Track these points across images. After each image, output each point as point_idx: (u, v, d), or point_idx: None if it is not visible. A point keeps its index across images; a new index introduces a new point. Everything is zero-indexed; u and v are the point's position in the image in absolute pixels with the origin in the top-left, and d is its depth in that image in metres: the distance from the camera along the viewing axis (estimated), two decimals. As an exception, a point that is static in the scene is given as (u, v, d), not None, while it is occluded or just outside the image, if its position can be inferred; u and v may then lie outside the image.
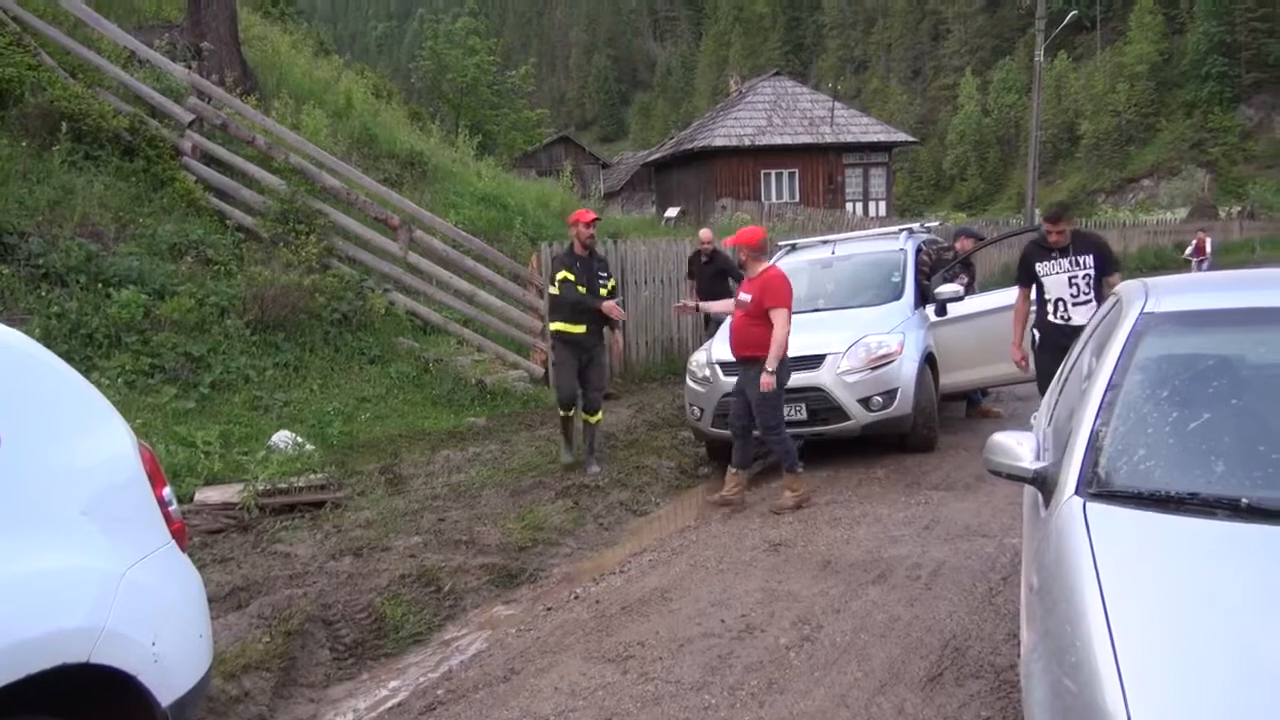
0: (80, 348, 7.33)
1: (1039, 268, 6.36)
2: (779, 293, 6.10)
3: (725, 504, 6.49)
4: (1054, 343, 6.09)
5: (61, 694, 2.30)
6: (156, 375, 7.49)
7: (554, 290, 7.40)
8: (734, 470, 6.56)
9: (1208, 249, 24.56)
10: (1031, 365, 6.71)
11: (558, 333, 7.38)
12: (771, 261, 9.24)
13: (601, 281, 7.40)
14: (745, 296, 6.30)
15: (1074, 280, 6.22)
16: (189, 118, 10.00)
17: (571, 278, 7.21)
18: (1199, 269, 22.78)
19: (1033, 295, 6.55)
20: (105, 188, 8.97)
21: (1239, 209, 44.80)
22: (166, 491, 2.80)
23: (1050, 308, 6.31)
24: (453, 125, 23.68)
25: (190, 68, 10.69)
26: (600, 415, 7.59)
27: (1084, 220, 37.05)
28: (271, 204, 9.80)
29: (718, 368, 7.40)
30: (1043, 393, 5.54)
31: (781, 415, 6.31)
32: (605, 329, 7.55)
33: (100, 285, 7.82)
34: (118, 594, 2.39)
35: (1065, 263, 6.25)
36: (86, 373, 6.92)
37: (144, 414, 6.92)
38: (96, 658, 2.28)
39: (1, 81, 9.10)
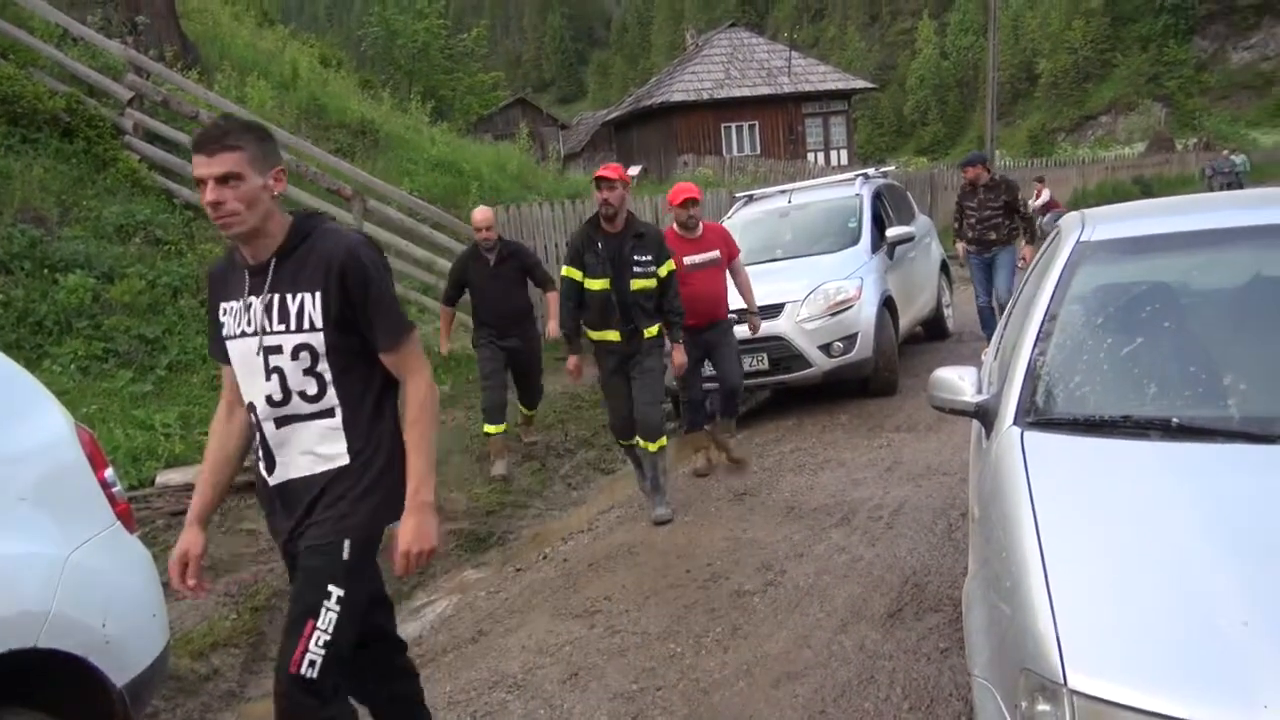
0: (30, 336, 7.18)
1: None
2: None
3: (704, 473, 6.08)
4: None
5: (13, 679, 2.28)
6: (110, 360, 7.36)
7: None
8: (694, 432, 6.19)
9: (1046, 197, 18.68)
10: None
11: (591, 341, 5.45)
12: (732, 212, 9.27)
13: (640, 268, 5.08)
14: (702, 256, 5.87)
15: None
16: (128, 95, 9.73)
17: (577, 275, 5.20)
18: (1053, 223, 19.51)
19: None
20: (45, 171, 8.73)
21: (1194, 141, 45.09)
22: (109, 473, 2.76)
23: None
24: (406, 92, 23.24)
25: (126, 43, 10.37)
26: (665, 440, 5.38)
27: (1044, 159, 37.07)
28: (220, 180, 9.57)
29: None
30: None
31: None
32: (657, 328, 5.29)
33: (46, 271, 7.65)
34: (63, 577, 2.37)
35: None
36: (37, 361, 6.81)
37: (100, 399, 6.82)
38: (45, 642, 2.26)
39: (-72, 66, 8.81)
